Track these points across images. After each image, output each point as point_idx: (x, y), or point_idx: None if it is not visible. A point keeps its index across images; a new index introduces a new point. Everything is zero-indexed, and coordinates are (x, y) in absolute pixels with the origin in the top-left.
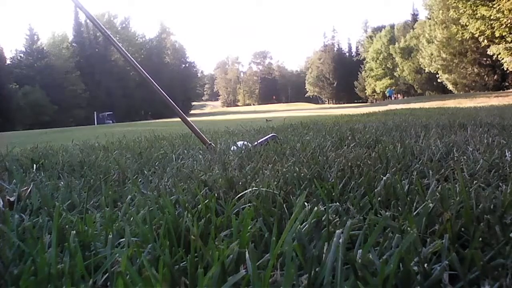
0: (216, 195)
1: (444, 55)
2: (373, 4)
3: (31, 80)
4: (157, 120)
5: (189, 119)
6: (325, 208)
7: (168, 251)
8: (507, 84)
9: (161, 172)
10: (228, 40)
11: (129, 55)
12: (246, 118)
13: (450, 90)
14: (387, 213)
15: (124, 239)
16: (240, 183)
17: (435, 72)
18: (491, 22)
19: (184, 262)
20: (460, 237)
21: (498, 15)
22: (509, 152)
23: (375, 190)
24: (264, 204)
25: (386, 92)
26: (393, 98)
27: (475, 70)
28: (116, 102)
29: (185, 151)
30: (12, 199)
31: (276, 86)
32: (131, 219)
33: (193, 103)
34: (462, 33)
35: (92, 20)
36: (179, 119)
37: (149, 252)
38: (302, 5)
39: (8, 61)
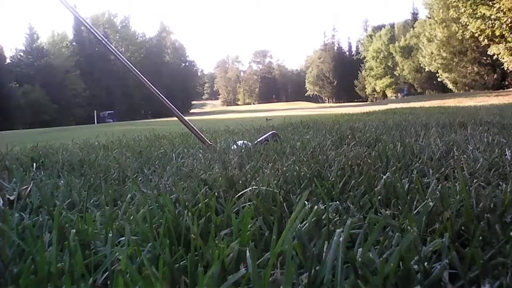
0: (216, 194)
1: (444, 54)
2: (373, 3)
3: (31, 79)
4: (157, 119)
5: (189, 118)
6: (325, 207)
7: (168, 249)
8: (507, 83)
9: (161, 171)
10: (228, 39)
11: (125, 59)
12: (246, 117)
13: (450, 89)
14: (387, 212)
15: (124, 238)
16: (240, 182)
17: (435, 71)
18: (492, 21)
19: (184, 261)
20: (460, 236)
21: (498, 14)
22: (509, 151)
23: (375, 189)
24: (264, 203)
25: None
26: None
27: (475, 69)
28: (116, 101)
29: (185, 150)
30: (12, 198)
31: (276, 85)
32: (131, 218)
33: (193, 102)
34: (463, 31)
35: (89, 28)
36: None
37: (149, 251)
38: (302, 5)
39: (8, 60)
